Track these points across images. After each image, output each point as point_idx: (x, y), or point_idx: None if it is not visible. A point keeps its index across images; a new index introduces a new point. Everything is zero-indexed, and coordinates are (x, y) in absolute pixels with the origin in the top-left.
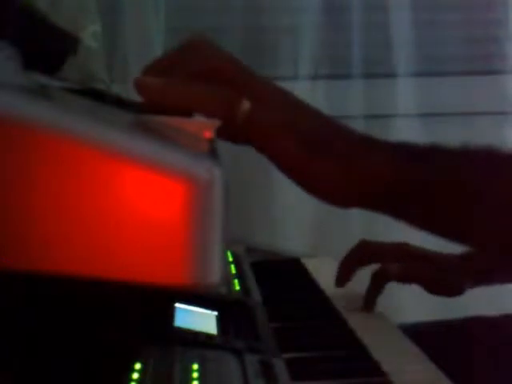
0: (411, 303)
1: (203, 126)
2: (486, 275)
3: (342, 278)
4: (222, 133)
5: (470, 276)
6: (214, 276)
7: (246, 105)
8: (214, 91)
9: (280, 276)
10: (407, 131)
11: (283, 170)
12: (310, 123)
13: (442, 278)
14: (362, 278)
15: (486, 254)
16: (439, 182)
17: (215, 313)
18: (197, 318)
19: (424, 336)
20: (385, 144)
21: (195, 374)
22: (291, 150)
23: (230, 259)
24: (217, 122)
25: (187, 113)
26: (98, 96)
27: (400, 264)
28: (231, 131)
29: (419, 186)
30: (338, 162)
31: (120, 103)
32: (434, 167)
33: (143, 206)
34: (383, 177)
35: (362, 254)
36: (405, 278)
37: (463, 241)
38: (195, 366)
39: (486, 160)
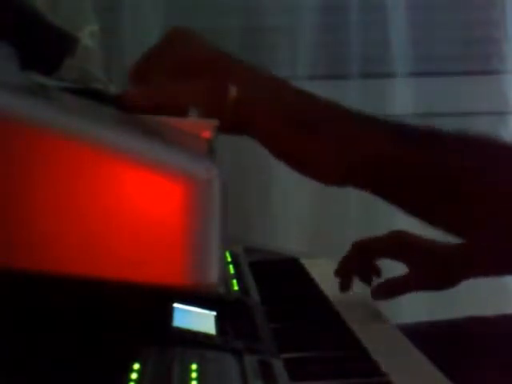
0: (410, 303)
1: (202, 126)
2: (483, 265)
3: (344, 283)
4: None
5: (468, 267)
6: (213, 276)
7: (232, 91)
8: (197, 84)
9: (279, 276)
10: None
11: (274, 152)
12: (297, 102)
13: (438, 274)
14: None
15: (476, 245)
16: (435, 168)
17: (214, 313)
18: (195, 318)
19: (423, 336)
20: (381, 123)
21: (194, 374)
22: (279, 131)
23: (229, 259)
24: (216, 122)
25: (183, 111)
26: (97, 96)
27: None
28: (225, 122)
29: (414, 170)
30: (328, 140)
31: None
32: (431, 152)
33: (142, 205)
34: (376, 158)
35: (359, 253)
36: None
37: (455, 230)
38: (194, 366)
39: (484, 148)
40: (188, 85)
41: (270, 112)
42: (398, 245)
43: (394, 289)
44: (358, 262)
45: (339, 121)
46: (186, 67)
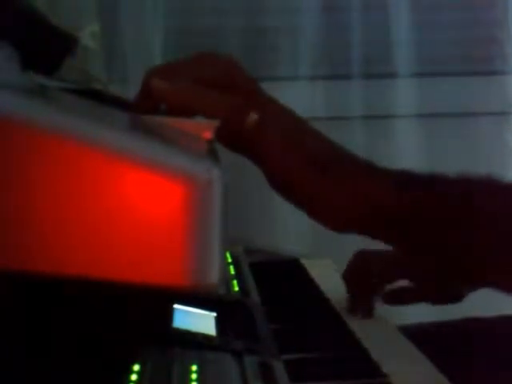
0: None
1: (203, 127)
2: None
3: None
4: (223, 138)
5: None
6: (213, 277)
7: (254, 116)
8: (225, 97)
9: (279, 277)
10: (407, 132)
11: (280, 187)
12: (314, 143)
13: (442, 287)
14: None
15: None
16: (438, 210)
17: (214, 314)
18: (195, 319)
19: (423, 337)
20: (385, 171)
21: (194, 376)
22: (293, 168)
23: (229, 260)
24: (216, 123)
25: (189, 113)
26: (97, 96)
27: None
28: (233, 139)
29: (418, 214)
30: (339, 183)
31: (119, 103)
32: (433, 195)
33: (142, 206)
34: (382, 203)
35: (362, 268)
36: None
37: (460, 268)
38: (194, 367)
39: (485, 189)
40: (214, 93)
41: (286, 148)
42: (401, 262)
43: (402, 297)
44: (361, 273)
45: (350, 168)
46: (214, 82)
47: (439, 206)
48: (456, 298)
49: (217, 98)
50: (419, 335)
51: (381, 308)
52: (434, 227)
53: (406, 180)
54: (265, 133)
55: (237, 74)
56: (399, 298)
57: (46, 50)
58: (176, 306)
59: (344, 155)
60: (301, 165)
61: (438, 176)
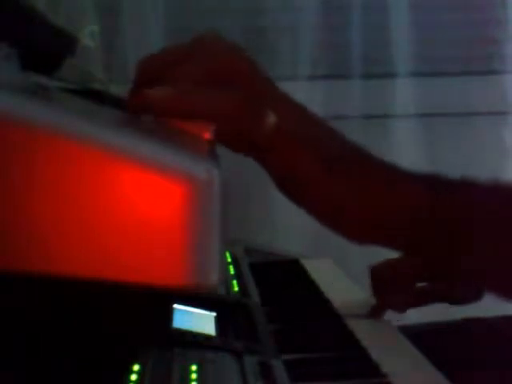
0: None
1: (203, 127)
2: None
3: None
4: (230, 142)
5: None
6: (213, 277)
7: (272, 117)
8: (236, 99)
9: (279, 277)
10: (406, 132)
11: (289, 191)
12: (331, 141)
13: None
14: (360, 276)
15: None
16: (466, 221)
17: (214, 314)
18: (195, 319)
19: (423, 337)
20: (409, 175)
21: (194, 376)
22: (303, 169)
23: (229, 260)
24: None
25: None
26: (97, 96)
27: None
28: (245, 143)
29: (444, 224)
30: (356, 185)
31: (119, 103)
32: (460, 204)
33: (142, 206)
34: (402, 210)
35: (378, 283)
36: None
37: (482, 281)
38: (194, 367)
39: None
40: (222, 95)
41: (297, 150)
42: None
43: (416, 299)
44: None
45: (369, 171)
46: (218, 76)
47: (466, 217)
48: (475, 297)
49: (223, 100)
50: (419, 335)
51: None
52: (459, 239)
53: (431, 185)
54: (281, 135)
55: (242, 66)
56: (412, 300)
57: (46, 49)
58: (176, 305)
59: (361, 155)
60: (316, 165)
61: (466, 182)
